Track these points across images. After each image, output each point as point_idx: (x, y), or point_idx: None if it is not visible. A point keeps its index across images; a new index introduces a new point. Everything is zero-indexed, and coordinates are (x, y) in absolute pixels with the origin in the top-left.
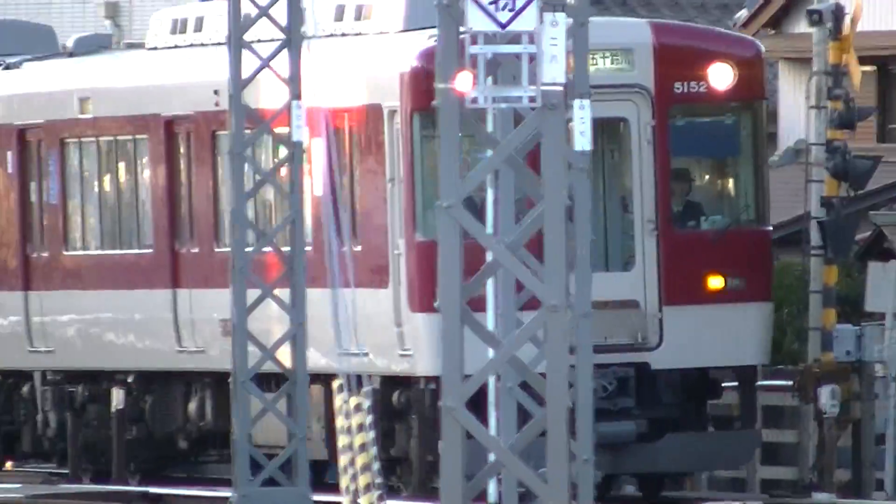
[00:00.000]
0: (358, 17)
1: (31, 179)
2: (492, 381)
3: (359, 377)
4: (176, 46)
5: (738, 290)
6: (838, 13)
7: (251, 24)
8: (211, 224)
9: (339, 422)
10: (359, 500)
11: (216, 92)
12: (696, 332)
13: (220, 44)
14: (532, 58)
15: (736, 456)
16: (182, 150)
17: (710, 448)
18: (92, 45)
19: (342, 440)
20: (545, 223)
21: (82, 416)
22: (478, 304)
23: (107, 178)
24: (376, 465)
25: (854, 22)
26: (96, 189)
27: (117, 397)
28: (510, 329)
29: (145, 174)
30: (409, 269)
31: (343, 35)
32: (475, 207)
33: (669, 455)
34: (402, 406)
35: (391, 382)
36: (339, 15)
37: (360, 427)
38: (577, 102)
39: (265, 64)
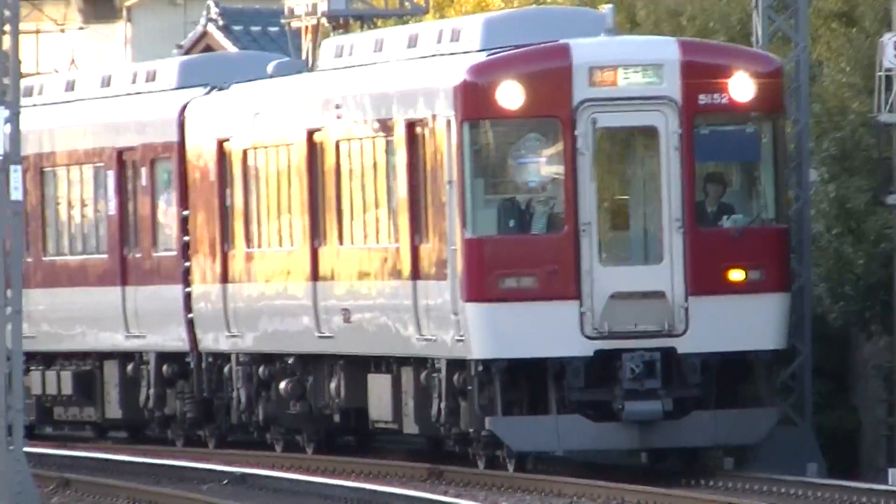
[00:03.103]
0: (451, 40)
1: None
2: None
3: None
4: None
5: (757, 282)
6: None
7: None
8: None
9: None
10: None
11: None
12: (720, 320)
13: None
14: None
15: (754, 432)
16: None
17: (731, 424)
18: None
19: None
20: None
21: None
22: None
23: None
24: None
25: None
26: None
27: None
28: None
29: None
30: (460, 263)
31: (441, 55)
32: (519, 210)
33: (693, 431)
34: (461, 386)
35: (453, 365)
36: (438, 38)
37: None
38: (11, 167)
39: None
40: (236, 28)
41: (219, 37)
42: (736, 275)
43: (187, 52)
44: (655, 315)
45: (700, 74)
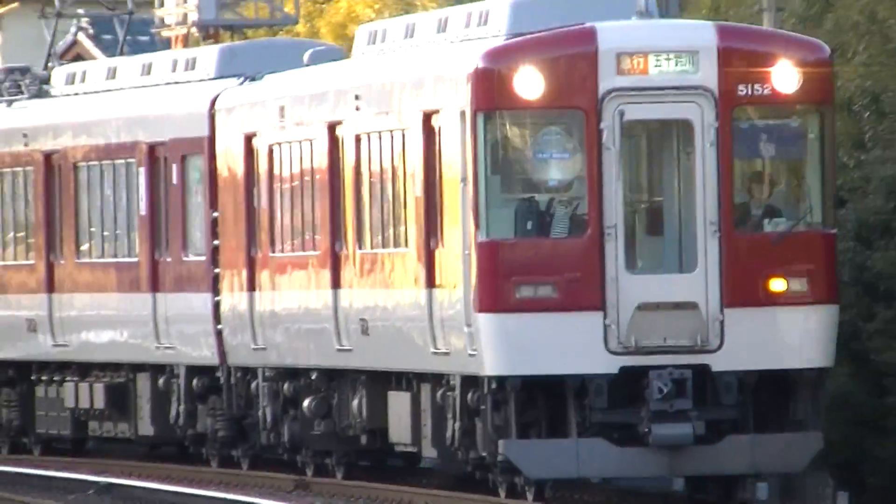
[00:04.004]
0: (479, 24)
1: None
2: None
3: None
4: None
5: (800, 293)
6: None
7: None
8: None
9: None
10: None
11: None
12: (759, 334)
13: None
14: None
15: (796, 459)
16: None
17: (770, 450)
18: None
19: None
20: None
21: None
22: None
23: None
24: None
25: None
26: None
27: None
28: None
29: None
30: (473, 269)
31: (469, 40)
32: (538, 211)
33: (729, 457)
34: (475, 406)
35: (468, 382)
36: (467, 22)
37: None
38: None
39: None
40: (106, 37)
41: (89, 45)
42: (777, 284)
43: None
44: (687, 328)
45: (739, 62)
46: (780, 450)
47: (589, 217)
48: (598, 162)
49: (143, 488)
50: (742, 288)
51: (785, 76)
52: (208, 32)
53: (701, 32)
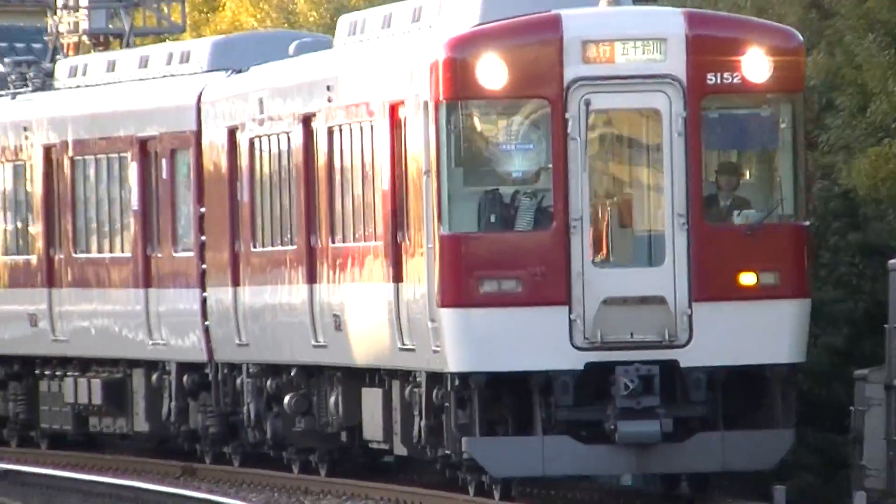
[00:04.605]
0: (451, 12)
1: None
2: None
3: None
4: None
5: (771, 287)
6: None
7: None
8: None
9: None
10: None
11: None
12: (728, 329)
13: None
14: None
15: (767, 457)
16: None
17: (741, 448)
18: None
19: None
20: None
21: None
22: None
23: None
24: None
25: None
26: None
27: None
28: None
29: None
30: (435, 263)
31: (440, 28)
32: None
33: (698, 455)
34: (440, 403)
35: (433, 379)
36: (439, 10)
37: None
38: None
39: None
40: (1, 45)
41: None
42: (747, 278)
43: None
44: (655, 323)
45: (709, 50)
46: (750, 448)
47: (554, 209)
48: (563, 153)
49: (39, 474)
50: (711, 282)
51: (755, 64)
52: (98, 40)
53: (669, 19)
